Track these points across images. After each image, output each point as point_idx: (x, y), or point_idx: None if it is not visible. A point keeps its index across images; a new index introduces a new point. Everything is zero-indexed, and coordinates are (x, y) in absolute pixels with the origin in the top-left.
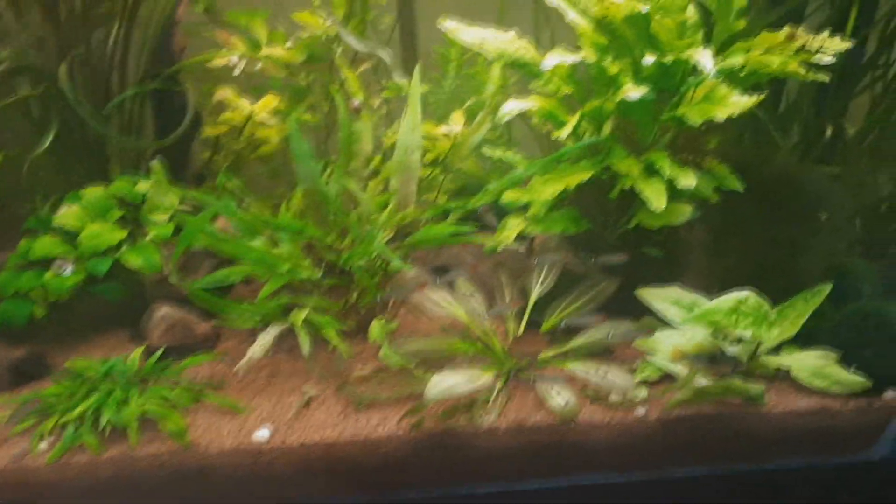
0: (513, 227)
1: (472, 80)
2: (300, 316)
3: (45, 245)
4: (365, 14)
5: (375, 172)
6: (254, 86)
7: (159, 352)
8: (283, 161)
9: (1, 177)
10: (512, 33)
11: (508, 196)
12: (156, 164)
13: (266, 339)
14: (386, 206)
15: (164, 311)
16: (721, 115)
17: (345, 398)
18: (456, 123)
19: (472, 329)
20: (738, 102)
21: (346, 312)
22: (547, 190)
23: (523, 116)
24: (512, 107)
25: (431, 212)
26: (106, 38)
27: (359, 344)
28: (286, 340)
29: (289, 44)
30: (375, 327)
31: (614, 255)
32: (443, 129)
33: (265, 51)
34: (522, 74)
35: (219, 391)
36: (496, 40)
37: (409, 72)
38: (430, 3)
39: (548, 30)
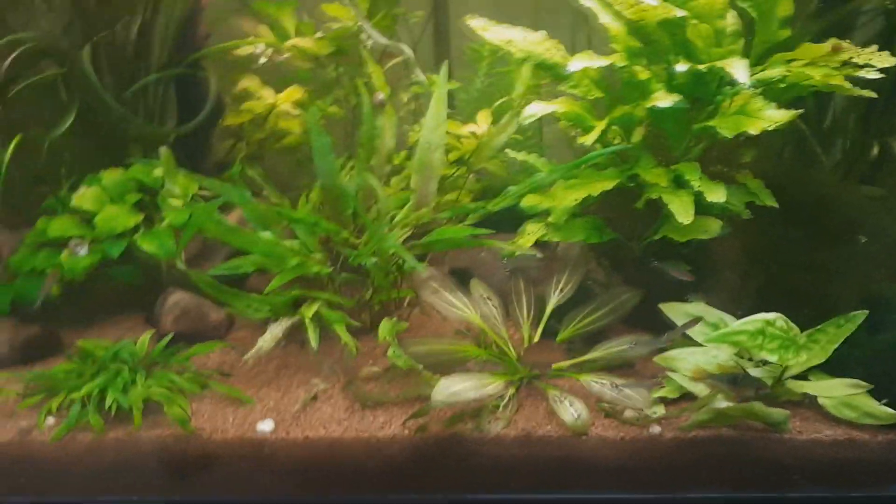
0: (531, 233)
1: (503, 79)
2: (310, 310)
3: (61, 225)
4: (390, 8)
5: (399, 169)
6: (280, 77)
7: (168, 336)
8: (307, 153)
9: (23, 158)
10: (541, 34)
11: (528, 201)
12: (163, 150)
13: (276, 331)
14: (405, 203)
15: (177, 297)
16: (754, 129)
17: (352, 395)
18: (482, 123)
19: (485, 334)
20: (772, 116)
21: (359, 309)
22: (569, 196)
23: (555, 119)
24: (536, 109)
25: (450, 212)
26: (131, 23)
27: (370, 341)
28: (298, 333)
29: (317, 35)
30: (385, 326)
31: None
32: (468, 128)
33: (292, 41)
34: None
35: (227, 380)
36: (524, 40)
37: (439, 69)
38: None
39: (584, 32)
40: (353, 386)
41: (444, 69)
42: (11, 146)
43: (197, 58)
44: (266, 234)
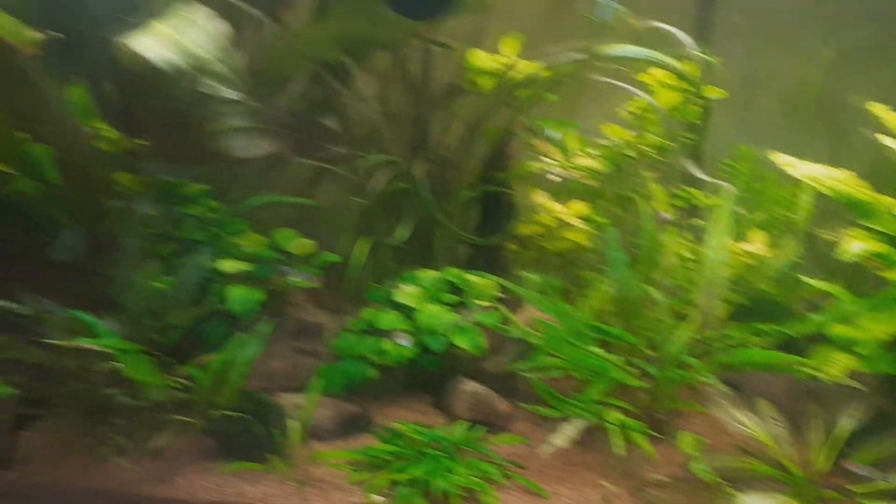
0: (838, 362)
1: (760, 195)
2: (615, 416)
3: (390, 318)
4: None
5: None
6: (554, 185)
7: (483, 428)
8: (570, 258)
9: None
10: (848, 173)
11: (837, 330)
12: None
13: (570, 430)
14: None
15: (473, 387)
16: None
17: (641, 500)
18: (758, 242)
19: (772, 453)
20: None
21: (645, 415)
22: (879, 328)
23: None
24: (858, 248)
25: (743, 332)
26: (451, 142)
27: (655, 447)
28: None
29: (595, 152)
30: (688, 439)
31: None
32: (743, 246)
33: (579, 161)
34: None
35: (521, 471)
36: (830, 178)
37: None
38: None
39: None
40: (642, 492)
41: (728, 189)
42: (363, 249)
43: (505, 176)
44: (596, 350)
